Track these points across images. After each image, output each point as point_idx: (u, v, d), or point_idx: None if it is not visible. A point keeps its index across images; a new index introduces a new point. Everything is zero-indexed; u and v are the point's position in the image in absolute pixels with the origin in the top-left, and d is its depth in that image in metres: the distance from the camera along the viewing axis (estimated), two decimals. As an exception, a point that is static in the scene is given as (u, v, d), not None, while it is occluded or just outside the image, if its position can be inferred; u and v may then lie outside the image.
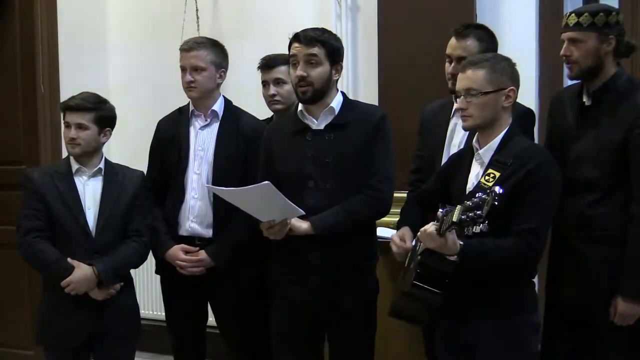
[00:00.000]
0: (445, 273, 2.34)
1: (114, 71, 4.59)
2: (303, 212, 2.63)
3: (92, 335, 2.94)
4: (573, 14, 2.61)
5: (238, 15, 4.26)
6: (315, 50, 2.67)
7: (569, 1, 3.63)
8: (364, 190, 2.72)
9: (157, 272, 3.30)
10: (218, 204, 3.04)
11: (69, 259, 2.88)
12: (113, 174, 3.03)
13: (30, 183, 2.96)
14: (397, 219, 2.94)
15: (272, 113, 3.39)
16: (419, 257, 2.41)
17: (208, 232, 3.12)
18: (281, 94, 3.24)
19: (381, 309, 2.76)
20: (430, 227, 2.30)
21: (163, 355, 4.10)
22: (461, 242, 2.29)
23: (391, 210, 2.83)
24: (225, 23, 4.26)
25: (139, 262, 3.09)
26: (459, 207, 2.18)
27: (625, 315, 2.53)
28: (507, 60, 2.51)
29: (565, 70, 2.76)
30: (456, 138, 2.90)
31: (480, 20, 3.50)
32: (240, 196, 2.67)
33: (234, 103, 3.27)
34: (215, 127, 3.17)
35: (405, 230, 2.78)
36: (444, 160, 2.86)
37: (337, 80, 2.79)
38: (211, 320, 3.30)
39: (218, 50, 3.17)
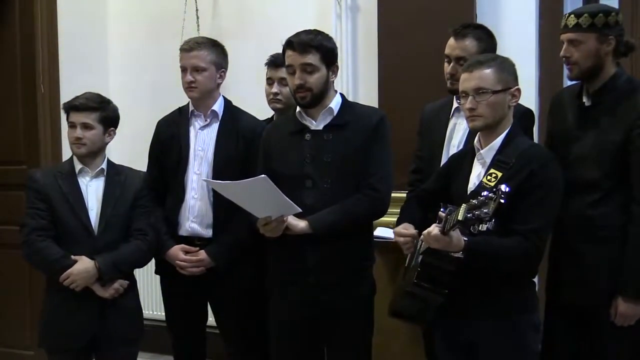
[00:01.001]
0: (447, 272, 2.35)
1: (114, 71, 4.59)
2: (300, 210, 2.63)
3: (94, 337, 2.94)
4: (572, 15, 2.60)
5: (238, 15, 4.26)
6: (310, 58, 2.67)
7: (569, 1, 3.63)
8: (363, 189, 2.72)
9: (157, 272, 3.30)
10: (218, 204, 3.04)
11: (72, 256, 2.88)
12: (115, 175, 3.04)
13: (34, 183, 2.96)
14: (396, 218, 2.94)
15: (272, 113, 3.39)
16: (421, 256, 2.41)
17: (208, 232, 3.12)
18: (283, 94, 3.23)
19: (381, 309, 2.76)
20: (434, 229, 2.29)
21: (163, 355, 4.10)
22: (465, 239, 2.30)
23: (390, 210, 2.83)
24: (225, 23, 4.26)
25: (142, 260, 3.08)
26: (464, 205, 2.17)
27: (626, 315, 2.53)
28: (509, 59, 2.51)
29: (565, 71, 2.76)
30: (455, 138, 2.90)
31: (480, 20, 3.50)
32: (237, 190, 2.66)
33: (234, 103, 3.27)
34: (215, 127, 3.17)
35: (406, 224, 2.78)
36: (444, 160, 2.86)
37: (334, 81, 2.79)
38: (211, 320, 3.30)
39: (218, 50, 3.17)
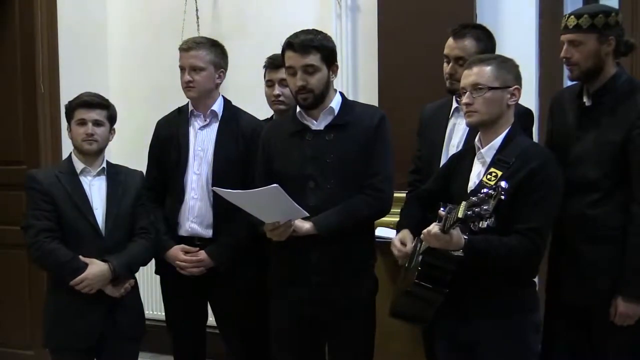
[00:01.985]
0: (447, 271, 2.35)
1: (114, 71, 4.59)
2: (307, 214, 2.63)
3: (101, 336, 2.93)
4: (572, 16, 2.60)
5: (238, 15, 4.26)
6: (311, 58, 2.66)
7: (569, 1, 3.63)
8: (365, 190, 2.72)
9: (157, 272, 3.30)
10: (218, 204, 3.04)
11: (81, 257, 2.88)
12: (115, 174, 3.04)
13: (37, 184, 2.94)
14: (397, 219, 2.94)
15: (271, 113, 3.39)
16: (421, 256, 2.41)
17: (208, 233, 3.12)
18: (285, 95, 3.21)
19: (381, 309, 2.76)
20: (434, 227, 2.29)
21: (163, 355, 4.10)
22: (465, 237, 2.30)
23: (391, 209, 2.83)
24: (225, 23, 4.26)
25: (148, 259, 3.11)
26: (464, 203, 2.17)
27: (626, 315, 2.53)
28: (512, 60, 2.52)
29: (565, 71, 2.76)
30: (455, 138, 2.90)
31: (480, 20, 3.50)
32: (247, 198, 2.65)
33: (234, 103, 3.26)
34: (214, 127, 3.17)
35: (406, 233, 2.78)
36: (443, 160, 2.86)
37: (333, 81, 2.78)
38: (211, 320, 3.30)
39: (217, 50, 3.17)
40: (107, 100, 3.04)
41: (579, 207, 2.59)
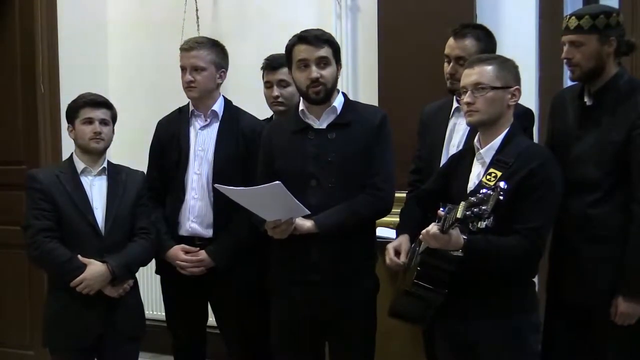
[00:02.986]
0: (447, 271, 2.35)
1: (114, 71, 4.59)
2: (309, 212, 2.63)
3: (101, 335, 2.93)
4: (573, 17, 2.60)
5: (238, 15, 4.26)
6: (325, 51, 2.69)
7: (569, 1, 3.63)
8: (367, 189, 2.72)
9: (157, 272, 3.30)
10: (218, 204, 3.05)
11: (80, 257, 2.88)
12: (116, 174, 3.05)
13: (37, 183, 2.94)
14: (397, 219, 2.94)
15: (271, 113, 3.39)
16: (420, 256, 2.41)
17: (208, 232, 3.12)
18: (284, 96, 3.22)
19: (381, 309, 2.76)
20: (433, 227, 2.29)
21: (163, 355, 4.10)
22: (465, 237, 2.30)
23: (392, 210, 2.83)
24: (225, 23, 4.26)
25: (147, 259, 3.11)
26: (463, 203, 2.17)
27: (626, 315, 2.53)
28: (512, 61, 2.52)
29: (566, 71, 2.76)
30: (455, 138, 2.90)
31: (480, 20, 3.50)
32: (249, 196, 2.65)
33: (234, 103, 3.27)
34: (215, 127, 3.17)
35: (403, 239, 2.79)
36: (443, 160, 2.86)
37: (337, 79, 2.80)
38: (211, 320, 3.31)
39: (218, 50, 3.17)
40: (109, 101, 3.06)
41: (579, 207, 2.59)
